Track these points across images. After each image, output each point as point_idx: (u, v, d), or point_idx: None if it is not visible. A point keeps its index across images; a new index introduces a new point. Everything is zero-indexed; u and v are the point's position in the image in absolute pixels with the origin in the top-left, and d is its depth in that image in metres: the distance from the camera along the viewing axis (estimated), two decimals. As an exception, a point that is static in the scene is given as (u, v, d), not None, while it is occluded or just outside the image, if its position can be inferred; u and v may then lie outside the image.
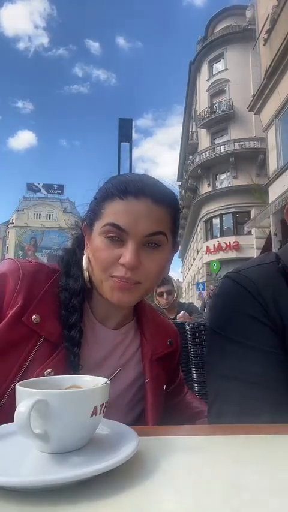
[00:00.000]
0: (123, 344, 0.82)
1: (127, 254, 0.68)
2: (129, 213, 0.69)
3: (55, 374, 0.67)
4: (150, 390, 0.79)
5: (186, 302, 4.55)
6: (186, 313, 3.11)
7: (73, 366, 0.70)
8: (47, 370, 0.67)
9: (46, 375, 0.66)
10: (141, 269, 0.70)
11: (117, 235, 0.70)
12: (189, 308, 3.61)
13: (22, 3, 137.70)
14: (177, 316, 3.13)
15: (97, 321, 0.79)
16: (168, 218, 0.74)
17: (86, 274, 0.77)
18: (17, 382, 0.66)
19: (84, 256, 0.79)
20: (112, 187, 0.72)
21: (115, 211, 0.70)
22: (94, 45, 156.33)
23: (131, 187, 0.71)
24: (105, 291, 0.73)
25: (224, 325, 0.74)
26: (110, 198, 0.72)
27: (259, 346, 0.69)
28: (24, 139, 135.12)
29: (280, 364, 0.69)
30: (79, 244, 0.82)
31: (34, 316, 0.70)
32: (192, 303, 4.61)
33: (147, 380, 0.80)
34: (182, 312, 3.12)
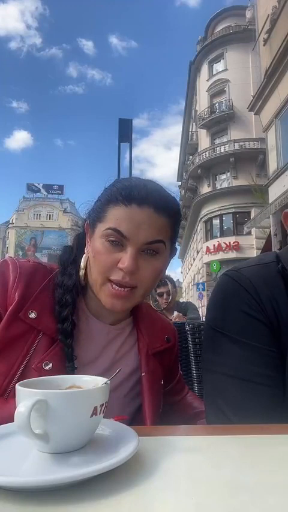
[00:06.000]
0: (119, 339, 0.84)
1: (126, 259, 0.71)
2: (131, 220, 0.71)
3: (53, 366, 0.70)
4: (147, 384, 0.81)
5: (185, 301, 4.54)
6: (180, 314, 3.07)
7: (68, 358, 0.72)
8: (44, 362, 0.70)
9: (45, 367, 0.69)
10: (139, 274, 0.73)
11: (117, 240, 0.72)
12: (186, 306, 3.60)
13: (13, 2, 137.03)
14: (172, 317, 3.10)
15: (92, 316, 0.81)
16: (168, 226, 0.76)
17: (81, 272, 0.80)
18: (19, 376, 0.68)
19: (84, 256, 0.81)
20: (117, 191, 0.74)
21: (118, 217, 0.72)
22: (87, 44, 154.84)
23: (135, 194, 0.72)
24: (101, 296, 0.75)
25: (220, 322, 0.75)
26: (113, 202, 0.73)
27: (254, 343, 0.70)
28: (20, 139, 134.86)
29: (275, 362, 0.69)
30: (78, 242, 0.85)
31: (30, 311, 0.73)
32: (189, 301, 4.60)
33: (143, 374, 0.81)
34: (176, 312, 3.08)
